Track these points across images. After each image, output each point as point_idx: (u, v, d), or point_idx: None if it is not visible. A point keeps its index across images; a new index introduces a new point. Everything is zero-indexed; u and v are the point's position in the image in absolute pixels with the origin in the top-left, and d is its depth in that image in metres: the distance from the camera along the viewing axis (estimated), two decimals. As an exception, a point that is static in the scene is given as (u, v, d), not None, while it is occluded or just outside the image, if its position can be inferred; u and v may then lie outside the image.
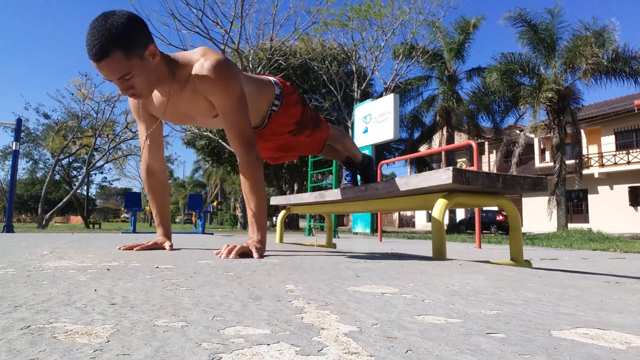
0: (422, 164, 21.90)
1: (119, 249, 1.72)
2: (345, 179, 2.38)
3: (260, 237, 1.52)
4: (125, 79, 1.32)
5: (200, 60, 1.44)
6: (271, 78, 1.83)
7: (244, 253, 1.44)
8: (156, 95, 1.58)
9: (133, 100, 1.66)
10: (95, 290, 0.76)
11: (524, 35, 15.05)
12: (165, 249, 1.77)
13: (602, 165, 20.50)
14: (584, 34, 13.85)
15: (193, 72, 1.43)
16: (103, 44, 1.23)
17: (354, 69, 16.66)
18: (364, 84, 16.48)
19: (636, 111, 18.81)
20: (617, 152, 20.18)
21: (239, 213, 14.68)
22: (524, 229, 20.01)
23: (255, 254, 1.43)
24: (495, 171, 10.71)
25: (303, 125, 1.91)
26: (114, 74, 1.29)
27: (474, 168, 4.81)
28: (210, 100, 1.49)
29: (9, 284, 0.82)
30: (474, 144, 4.96)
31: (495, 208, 19.31)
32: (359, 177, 2.39)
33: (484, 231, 18.31)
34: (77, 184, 17.71)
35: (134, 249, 1.69)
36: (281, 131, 1.88)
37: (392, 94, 8.97)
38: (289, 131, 1.90)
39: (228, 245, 1.47)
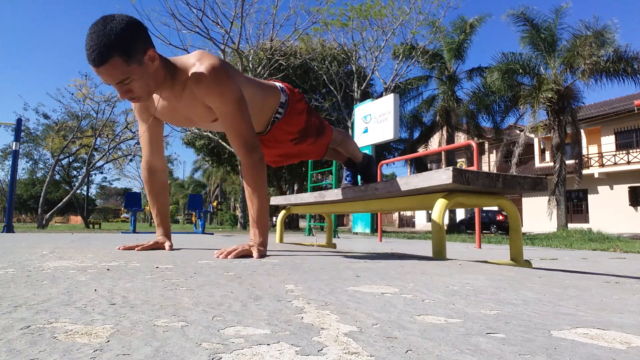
0: (420, 165, 21.90)
1: (119, 249, 1.72)
2: (346, 179, 2.38)
3: (262, 239, 1.52)
4: (124, 83, 1.32)
5: (196, 64, 1.43)
6: (278, 84, 1.81)
7: (245, 255, 1.44)
8: (157, 97, 1.58)
9: None
10: (95, 290, 0.76)
11: (526, 34, 15.05)
12: (165, 249, 1.77)
13: (602, 165, 20.50)
14: (585, 33, 13.84)
15: (190, 77, 1.43)
16: (102, 49, 1.23)
17: (354, 69, 16.66)
18: (364, 84, 16.48)
19: (636, 111, 18.80)
20: (617, 152, 20.17)
21: (239, 213, 14.67)
22: (524, 229, 20.00)
23: (255, 254, 1.43)
24: (495, 171, 10.71)
25: (307, 134, 1.89)
26: (113, 78, 1.30)
27: (474, 168, 4.81)
28: (208, 105, 1.49)
29: (9, 284, 0.82)
30: (474, 144, 4.96)
31: (495, 208, 19.31)
32: (359, 177, 2.39)
33: (484, 231, 18.31)
34: (77, 184, 17.72)
35: (134, 249, 1.69)
36: (284, 139, 1.86)
37: (392, 94, 8.97)
38: (292, 139, 1.88)
39: (228, 248, 1.47)
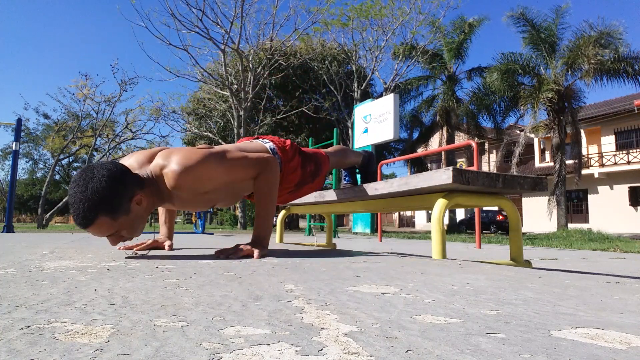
0: (420, 166, 21.89)
1: (119, 249, 1.72)
2: (345, 179, 2.38)
3: (264, 240, 1.53)
4: (114, 235, 1.32)
5: (166, 173, 1.36)
6: (269, 145, 1.75)
7: (245, 255, 1.44)
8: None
9: None
10: (95, 290, 0.76)
11: (526, 35, 15.05)
12: (164, 248, 1.77)
13: (602, 165, 20.50)
14: (589, 33, 13.83)
15: (167, 188, 1.38)
16: (86, 213, 1.21)
17: (354, 69, 16.66)
18: (364, 84, 16.48)
19: (636, 111, 18.80)
20: (617, 152, 20.17)
21: (239, 213, 14.67)
22: (524, 229, 20.00)
23: (256, 254, 1.43)
24: (495, 171, 10.71)
25: (303, 183, 1.89)
26: (102, 234, 1.29)
27: (474, 168, 4.81)
28: (211, 188, 1.46)
29: (9, 284, 0.82)
30: (474, 144, 4.96)
31: (495, 208, 19.31)
32: (358, 177, 2.39)
33: (484, 231, 18.31)
34: (77, 184, 17.67)
35: (134, 248, 1.69)
36: (280, 193, 1.85)
37: (392, 94, 8.97)
38: (289, 192, 1.90)
39: (228, 248, 1.47)
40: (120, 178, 1.26)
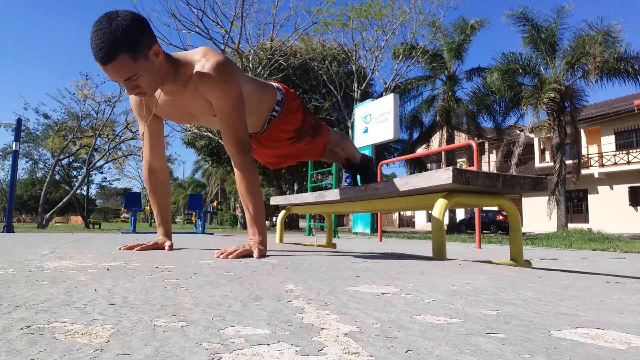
0: (420, 166, 21.88)
1: (119, 249, 1.72)
2: (345, 181, 2.38)
3: (261, 238, 1.53)
4: (131, 79, 1.33)
5: (202, 60, 1.44)
6: (274, 84, 1.82)
7: (245, 255, 1.44)
8: (158, 93, 1.58)
9: (135, 98, 1.66)
10: (95, 290, 0.76)
11: (526, 34, 15.05)
12: (165, 248, 1.77)
13: (602, 165, 20.50)
14: (588, 32, 13.83)
15: (195, 72, 1.44)
16: (109, 47, 1.22)
17: (354, 69, 16.66)
18: (364, 84, 16.48)
19: (636, 111, 18.80)
20: (617, 152, 20.17)
21: (239, 213, 14.68)
22: (524, 229, 20.00)
23: (255, 254, 1.43)
24: (495, 171, 10.71)
25: (303, 132, 1.90)
26: (121, 75, 1.30)
27: (474, 168, 4.81)
28: (209, 100, 1.50)
29: (9, 284, 0.82)
30: (474, 144, 4.96)
31: (495, 208, 19.31)
32: (359, 178, 2.39)
33: (484, 231, 18.31)
34: (77, 184, 17.72)
35: (134, 249, 1.69)
36: (280, 138, 1.87)
37: (392, 94, 8.97)
38: (288, 138, 1.89)
39: (228, 248, 1.47)
40: (143, 21, 1.31)
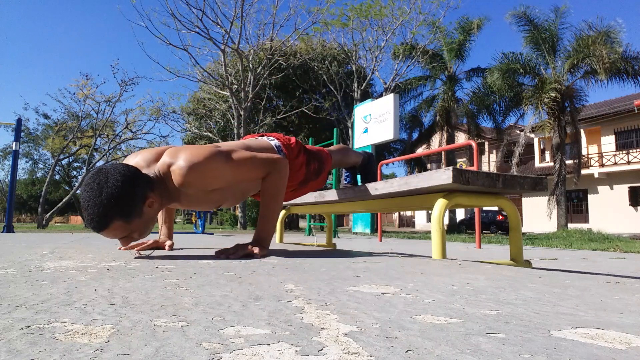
0: (420, 166, 21.88)
1: (119, 249, 1.72)
2: (345, 179, 2.38)
3: (265, 240, 1.53)
4: (126, 237, 1.33)
5: (173, 170, 1.35)
6: (274, 142, 1.75)
7: (246, 254, 1.44)
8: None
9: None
10: (95, 290, 0.76)
11: (527, 34, 15.05)
12: (165, 248, 1.77)
13: (602, 165, 20.49)
14: (588, 33, 13.83)
15: (175, 186, 1.38)
16: (101, 217, 1.21)
17: (354, 69, 16.66)
18: (364, 84, 16.48)
19: (636, 111, 18.80)
20: (617, 152, 20.17)
21: (239, 213, 14.66)
22: (524, 229, 20.00)
23: (257, 254, 1.43)
24: (495, 171, 10.71)
25: (306, 181, 1.90)
26: (116, 236, 1.30)
27: (474, 168, 4.81)
28: (217, 187, 1.46)
29: (9, 284, 0.82)
30: (474, 144, 4.96)
31: (495, 208, 19.31)
32: (358, 177, 2.39)
33: (484, 231, 18.31)
34: (77, 184, 17.72)
35: (135, 248, 1.69)
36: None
37: (392, 94, 8.97)
38: (291, 190, 1.90)
39: (229, 248, 1.47)
40: (134, 182, 1.26)
